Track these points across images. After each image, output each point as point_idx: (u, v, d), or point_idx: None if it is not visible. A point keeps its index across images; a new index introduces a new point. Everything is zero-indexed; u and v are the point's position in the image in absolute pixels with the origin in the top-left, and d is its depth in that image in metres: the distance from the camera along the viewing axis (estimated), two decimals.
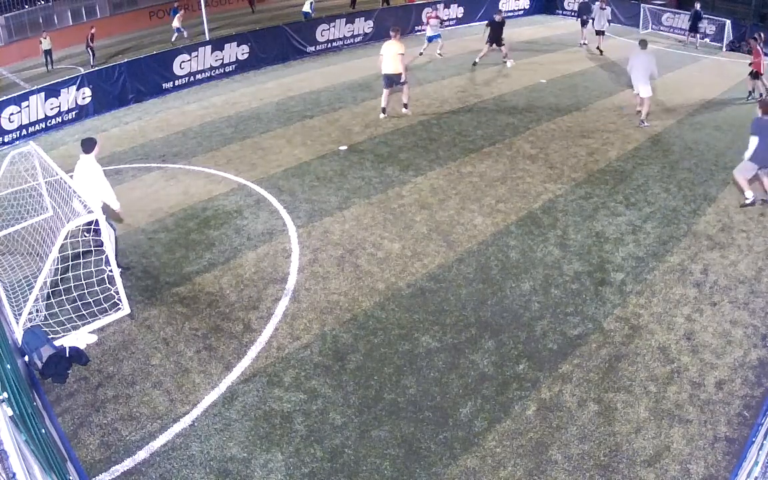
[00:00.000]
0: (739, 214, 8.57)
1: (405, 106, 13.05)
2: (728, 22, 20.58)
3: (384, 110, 12.97)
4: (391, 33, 12.45)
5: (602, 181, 9.67)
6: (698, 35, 20.40)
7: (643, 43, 12.22)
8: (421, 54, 18.67)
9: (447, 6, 23.47)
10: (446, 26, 23.42)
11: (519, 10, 25.87)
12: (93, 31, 23.30)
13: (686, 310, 6.53)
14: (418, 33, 22.50)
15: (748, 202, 8.81)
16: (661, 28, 23.20)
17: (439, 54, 18.92)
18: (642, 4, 23.61)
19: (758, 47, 14.14)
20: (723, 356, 5.81)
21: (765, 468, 3.45)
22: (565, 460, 4.76)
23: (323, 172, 10.33)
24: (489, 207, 8.89)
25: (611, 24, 20.30)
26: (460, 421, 5.16)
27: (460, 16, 23.85)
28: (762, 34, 16.04)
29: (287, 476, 4.69)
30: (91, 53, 22.88)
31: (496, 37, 17.10)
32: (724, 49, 20.38)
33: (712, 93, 14.21)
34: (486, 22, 18.33)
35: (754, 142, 8.58)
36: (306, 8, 25.27)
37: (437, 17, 19.93)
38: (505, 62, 17.52)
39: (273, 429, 5.14)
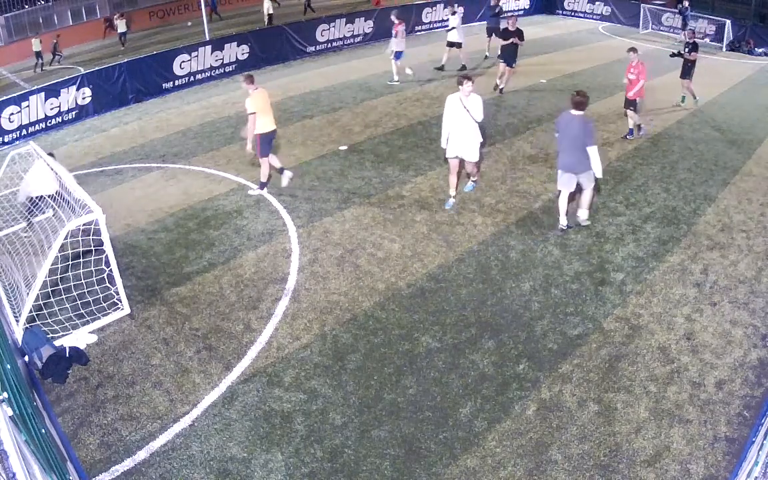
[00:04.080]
0: (739, 214, 8.57)
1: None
2: (728, 22, 20.59)
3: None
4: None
5: (602, 181, 9.64)
6: (685, 32, 20.08)
7: (464, 80, 8.17)
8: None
9: (447, 6, 23.46)
10: (446, 26, 23.43)
11: (519, 10, 25.86)
12: (56, 40, 23.86)
13: (686, 310, 6.53)
14: (418, 33, 22.52)
15: (560, 227, 7.93)
16: (661, 28, 23.22)
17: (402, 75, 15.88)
18: (642, 4, 23.63)
19: (641, 64, 11.06)
20: (723, 356, 5.81)
21: (765, 468, 3.45)
22: (565, 460, 4.76)
23: (323, 172, 10.32)
24: (489, 207, 8.89)
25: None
26: (460, 421, 5.16)
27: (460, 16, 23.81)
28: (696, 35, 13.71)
29: (287, 476, 4.69)
30: (54, 57, 23.46)
31: (508, 52, 13.98)
32: (724, 49, 20.40)
33: (712, 93, 14.20)
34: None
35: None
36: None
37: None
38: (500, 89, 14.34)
39: (273, 429, 5.14)
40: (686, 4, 20.53)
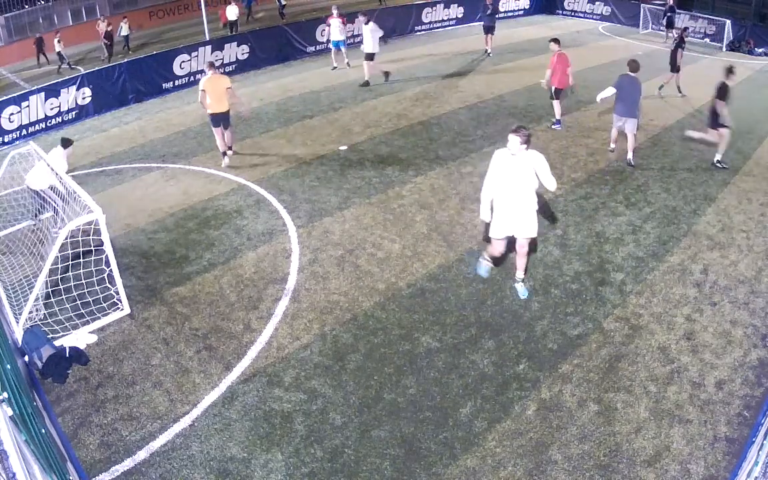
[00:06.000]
0: (739, 214, 8.57)
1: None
2: (728, 22, 20.59)
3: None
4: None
5: (602, 181, 9.67)
6: (673, 30, 19.71)
7: (512, 133, 6.03)
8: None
9: (447, 6, 23.47)
10: (446, 26, 23.46)
11: (519, 10, 25.88)
12: (110, 28, 23.35)
13: (686, 310, 6.53)
14: (418, 33, 22.53)
15: (610, 149, 10.65)
16: (661, 28, 23.19)
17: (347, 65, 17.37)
18: (642, 4, 23.63)
19: (558, 55, 11.58)
20: (723, 356, 5.81)
21: (765, 468, 3.45)
22: (565, 460, 4.76)
23: (323, 172, 10.33)
24: None
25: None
26: (460, 421, 5.16)
27: (460, 16, 23.85)
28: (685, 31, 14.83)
29: (287, 476, 4.69)
30: (107, 48, 23.09)
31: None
32: (724, 49, 20.40)
33: (712, 93, 14.15)
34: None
35: (609, 91, 10.04)
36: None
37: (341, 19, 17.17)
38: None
39: (273, 429, 5.14)
40: (671, 3, 20.65)
